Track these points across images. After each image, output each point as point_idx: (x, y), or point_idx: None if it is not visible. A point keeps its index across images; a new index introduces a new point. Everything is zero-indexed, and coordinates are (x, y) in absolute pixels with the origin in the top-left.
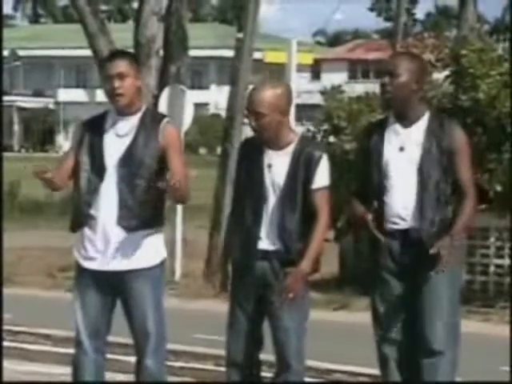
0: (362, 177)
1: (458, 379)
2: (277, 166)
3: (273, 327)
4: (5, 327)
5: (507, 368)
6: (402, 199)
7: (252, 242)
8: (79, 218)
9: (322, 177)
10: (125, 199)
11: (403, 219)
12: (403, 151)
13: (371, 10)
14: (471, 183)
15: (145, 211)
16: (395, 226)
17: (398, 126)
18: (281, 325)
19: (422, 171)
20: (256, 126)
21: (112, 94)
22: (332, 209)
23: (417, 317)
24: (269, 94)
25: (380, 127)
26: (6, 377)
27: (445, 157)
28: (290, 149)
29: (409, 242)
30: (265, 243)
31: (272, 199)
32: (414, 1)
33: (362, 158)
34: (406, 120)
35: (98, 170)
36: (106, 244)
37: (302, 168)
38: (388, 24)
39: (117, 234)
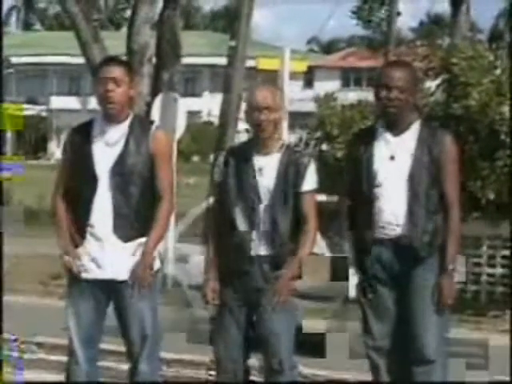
0: (351, 184)
1: None
2: (267, 169)
3: (263, 332)
4: None
5: (503, 377)
6: (392, 208)
7: (246, 247)
8: (80, 232)
9: (310, 181)
10: (119, 208)
11: (393, 228)
12: (394, 160)
13: (357, 17)
14: (456, 196)
15: (139, 219)
16: (385, 236)
17: (388, 135)
18: (272, 329)
19: (412, 180)
20: (264, 121)
21: (104, 98)
22: (323, 216)
23: (408, 325)
24: (273, 90)
25: (369, 135)
26: None
27: (435, 166)
28: (278, 154)
29: (399, 250)
30: (257, 248)
31: (263, 203)
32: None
33: (352, 166)
34: (397, 128)
35: (90, 179)
36: (101, 253)
37: (291, 172)
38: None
39: (113, 243)
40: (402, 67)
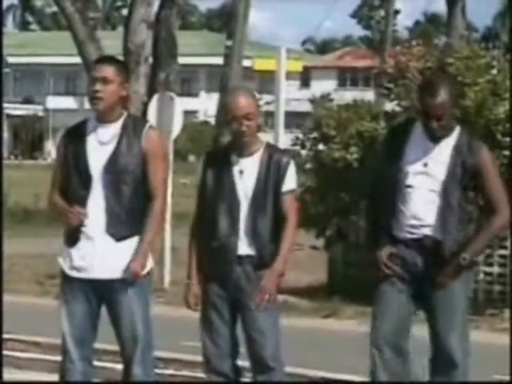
0: (380, 181)
1: None
2: (248, 171)
3: (248, 330)
4: None
5: (501, 377)
6: (414, 209)
7: (230, 249)
8: (75, 232)
9: (290, 180)
10: (112, 207)
11: (415, 228)
12: (426, 165)
13: (353, 17)
14: (505, 199)
15: (132, 218)
16: (410, 235)
17: (426, 139)
18: (257, 327)
19: (446, 189)
20: (244, 130)
21: (92, 97)
22: (321, 216)
23: (431, 328)
24: (249, 98)
25: (405, 132)
26: None
27: (468, 175)
28: (259, 155)
29: (424, 249)
30: (240, 249)
31: (244, 204)
32: (396, 12)
33: (383, 162)
34: (437, 135)
35: (84, 178)
36: (93, 252)
37: (271, 173)
38: (368, 32)
39: (105, 242)
40: (444, 77)
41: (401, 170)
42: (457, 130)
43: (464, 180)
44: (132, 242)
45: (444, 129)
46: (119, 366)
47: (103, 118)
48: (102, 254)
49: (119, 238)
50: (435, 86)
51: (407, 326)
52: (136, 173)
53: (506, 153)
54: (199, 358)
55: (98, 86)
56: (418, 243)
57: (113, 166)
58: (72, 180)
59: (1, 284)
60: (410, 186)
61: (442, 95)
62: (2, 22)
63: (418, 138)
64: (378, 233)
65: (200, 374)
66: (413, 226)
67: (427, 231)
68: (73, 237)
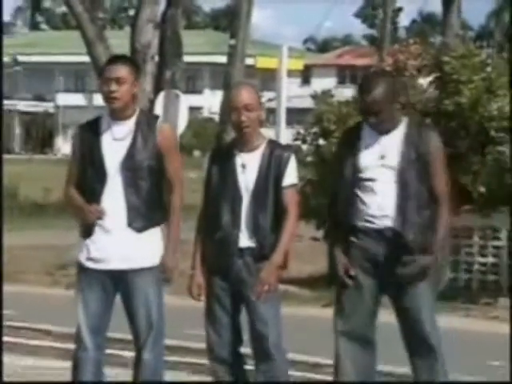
0: (340, 180)
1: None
2: (250, 166)
3: (251, 320)
4: (6, 323)
5: (495, 363)
6: (377, 201)
7: (232, 241)
8: (91, 226)
9: (291, 175)
10: (131, 201)
11: (377, 219)
12: (383, 158)
13: (357, 16)
14: (445, 190)
15: (151, 210)
16: (369, 225)
17: (375, 134)
18: (259, 317)
19: (401, 177)
20: (244, 121)
21: (108, 97)
22: (321, 208)
23: (403, 317)
24: (250, 90)
25: (355, 135)
26: (8, 371)
27: (420, 163)
28: (261, 150)
29: (385, 240)
30: (241, 241)
31: (246, 198)
32: (399, 9)
33: (342, 161)
34: (384, 128)
35: (100, 174)
36: (111, 244)
37: (272, 167)
38: (373, 31)
39: (126, 234)
40: (379, 76)
41: (358, 164)
42: (404, 122)
43: (419, 168)
44: (151, 232)
45: (384, 123)
46: (128, 353)
47: (117, 116)
48: (121, 246)
49: (140, 230)
50: (369, 84)
51: (373, 318)
52: (152, 166)
53: (500, 148)
54: (203, 346)
55: (113, 87)
56: (380, 233)
57: (130, 162)
58: (87, 175)
59: (1, 280)
60: (371, 180)
61: (376, 93)
62: (1, 23)
63: (369, 134)
64: (337, 233)
65: (203, 361)
66: (375, 217)
67: (388, 222)
68: (89, 230)
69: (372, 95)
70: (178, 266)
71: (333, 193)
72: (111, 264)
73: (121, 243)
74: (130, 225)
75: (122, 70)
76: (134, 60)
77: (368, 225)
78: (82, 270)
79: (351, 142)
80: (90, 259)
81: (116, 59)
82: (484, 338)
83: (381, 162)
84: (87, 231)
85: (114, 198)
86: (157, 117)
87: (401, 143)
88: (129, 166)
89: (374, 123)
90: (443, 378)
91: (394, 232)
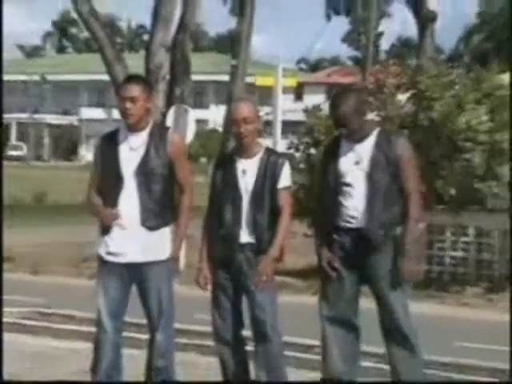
0: (323, 185)
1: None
2: (249, 171)
3: (250, 307)
4: (37, 309)
5: (465, 344)
6: (354, 203)
7: (234, 237)
8: (109, 224)
9: (285, 179)
10: (145, 203)
11: (355, 219)
12: (358, 164)
13: (343, 40)
14: (414, 191)
15: (162, 211)
16: (348, 225)
17: (351, 143)
18: (257, 304)
19: (371, 180)
20: (243, 132)
21: (123, 113)
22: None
23: (378, 306)
24: (249, 104)
25: (335, 145)
26: (38, 352)
27: (391, 167)
28: (259, 157)
29: (359, 238)
30: (242, 237)
31: (246, 199)
32: (380, 34)
33: (324, 170)
34: (357, 138)
35: (117, 179)
36: (127, 241)
37: (269, 172)
38: (357, 53)
39: (141, 232)
40: (347, 93)
41: (338, 170)
42: (375, 131)
43: (390, 171)
44: (163, 231)
45: (355, 133)
46: (142, 336)
47: (133, 128)
48: (135, 242)
49: (152, 228)
50: (338, 101)
51: (355, 304)
52: (164, 173)
53: (467, 156)
54: (209, 329)
55: (128, 105)
56: (356, 232)
57: (143, 169)
58: (107, 180)
59: (1, 279)
60: (349, 185)
61: (343, 108)
62: (1, 39)
63: (346, 143)
64: (322, 231)
65: (209, 343)
66: (352, 217)
67: (361, 222)
68: (107, 228)
69: (340, 110)
70: (179, 257)
71: (318, 197)
72: (127, 257)
73: (135, 239)
74: (143, 224)
75: (135, 90)
76: (146, 79)
77: (347, 224)
78: (102, 262)
79: (333, 151)
80: (109, 253)
81: (130, 79)
82: (454, 322)
83: (356, 167)
84: (106, 229)
85: (129, 200)
86: (168, 128)
87: (372, 150)
88: (142, 172)
89: (346, 134)
90: (419, 369)
91: (364, 230)
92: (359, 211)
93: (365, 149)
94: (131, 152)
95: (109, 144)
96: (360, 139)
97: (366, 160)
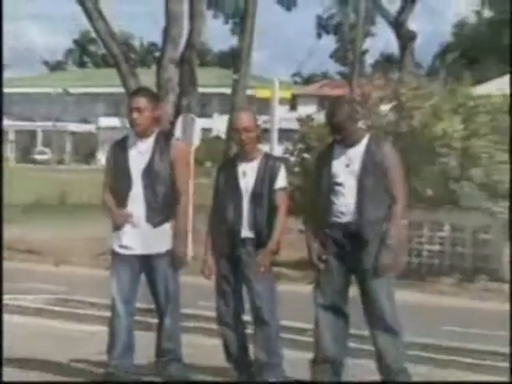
0: (318, 186)
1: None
2: (249, 173)
3: (249, 294)
4: (60, 296)
5: (444, 327)
6: (345, 200)
7: (236, 233)
8: None
9: (281, 180)
10: (150, 202)
11: (344, 215)
12: (348, 166)
13: (331, 57)
14: (400, 192)
15: (165, 209)
16: (338, 220)
17: (343, 148)
18: (256, 292)
19: (360, 180)
20: (244, 140)
21: (131, 123)
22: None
23: (366, 294)
24: (249, 114)
25: (329, 150)
26: (61, 334)
27: (379, 169)
28: (258, 161)
29: (348, 232)
30: (243, 233)
31: (246, 198)
32: (365, 52)
33: (318, 171)
34: (349, 143)
35: (126, 180)
36: (137, 235)
37: (267, 174)
38: (345, 68)
39: (146, 228)
40: (342, 103)
41: (331, 171)
42: (366, 137)
43: (377, 173)
44: (165, 226)
45: (348, 138)
46: (152, 320)
47: (141, 135)
48: (143, 237)
49: (156, 225)
50: (334, 109)
51: (345, 293)
52: (167, 175)
53: (443, 160)
54: (213, 314)
55: (135, 115)
56: (345, 226)
57: (149, 171)
58: (117, 181)
59: (1, 278)
60: (340, 184)
61: (337, 117)
62: (1, 63)
63: (339, 148)
64: (314, 227)
65: (213, 326)
66: (342, 213)
67: (350, 217)
68: (119, 225)
69: (336, 118)
70: (185, 252)
71: (312, 196)
72: (137, 250)
73: (142, 234)
74: (148, 220)
75: (142, 101)
76: (152, 91)
77: (337, 219)
78: (115, 255)
79: (327, 155)
80: (121, 247)
81: (138, 91)
82: (432, 308)
83: (347, 169)
84: (118, 226)
85: (136, 199)
86: (172, 136)
87: (362, 153)
88: (148, 174)
89: (340, 139)
90: (401, 350)
91: (354, 225)
92: (348, 208)
93: (356, 153)
94: (139, 156)
95: (119, 149)
96: (352, 144)
97: (357, 162)
